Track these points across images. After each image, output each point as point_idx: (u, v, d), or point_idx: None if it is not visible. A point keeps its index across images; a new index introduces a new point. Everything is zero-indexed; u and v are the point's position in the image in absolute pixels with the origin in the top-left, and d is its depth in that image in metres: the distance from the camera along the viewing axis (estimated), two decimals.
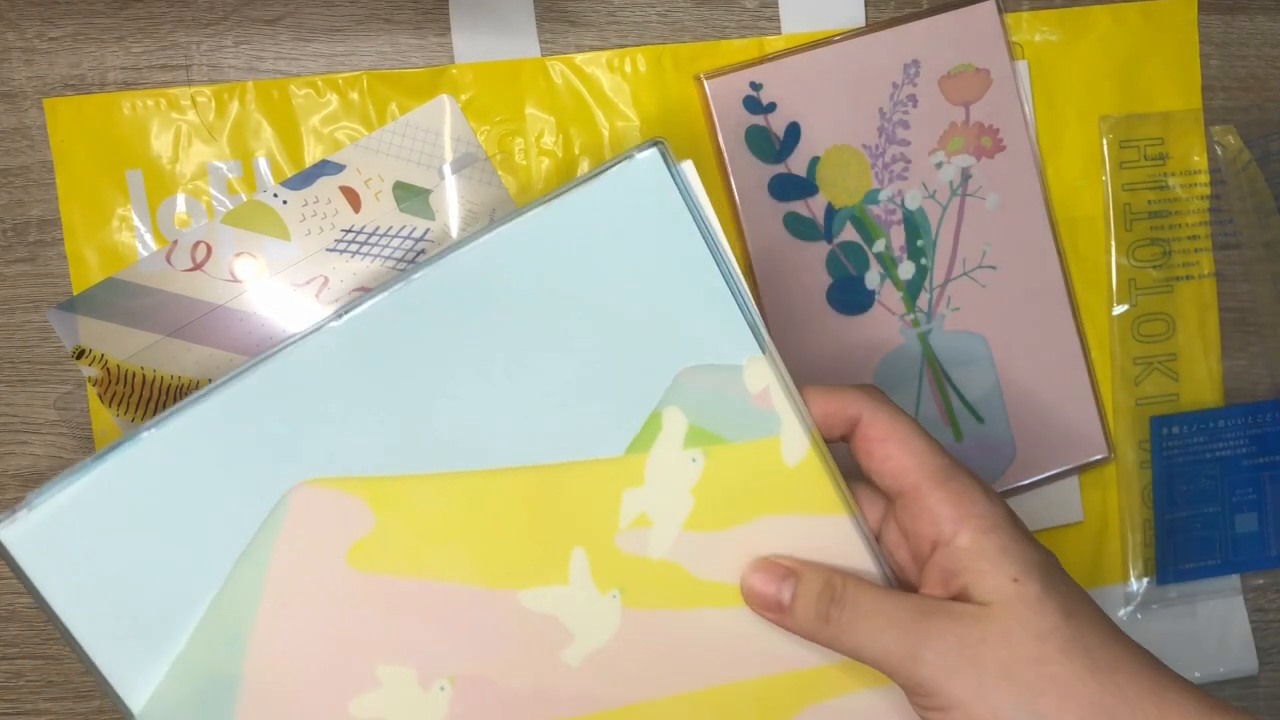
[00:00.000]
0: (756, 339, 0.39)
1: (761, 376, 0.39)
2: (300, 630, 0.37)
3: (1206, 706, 0.35)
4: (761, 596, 0.39)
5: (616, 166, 0.38)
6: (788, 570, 0.39)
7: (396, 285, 0.37)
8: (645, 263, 0.38)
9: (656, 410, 0.39)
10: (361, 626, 0.38)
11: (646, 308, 0.38)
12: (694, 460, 0.39)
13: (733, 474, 0.39)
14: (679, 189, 0.38)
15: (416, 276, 0.37)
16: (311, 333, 0.37)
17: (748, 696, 0.40)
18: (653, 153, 0.38)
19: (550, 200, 0.38)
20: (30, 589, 0.35)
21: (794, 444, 0.39)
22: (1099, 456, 0.57)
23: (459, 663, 0.39)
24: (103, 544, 0.35)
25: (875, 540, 0.41)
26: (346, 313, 0.37)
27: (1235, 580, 0.59)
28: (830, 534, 0.40)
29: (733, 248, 0.53)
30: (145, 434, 0.36)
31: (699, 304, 0.38)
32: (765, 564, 0.39)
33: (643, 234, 0.38)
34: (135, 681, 0.36)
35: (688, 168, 0.39)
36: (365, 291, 0.38)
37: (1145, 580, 0.58)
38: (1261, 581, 0.59)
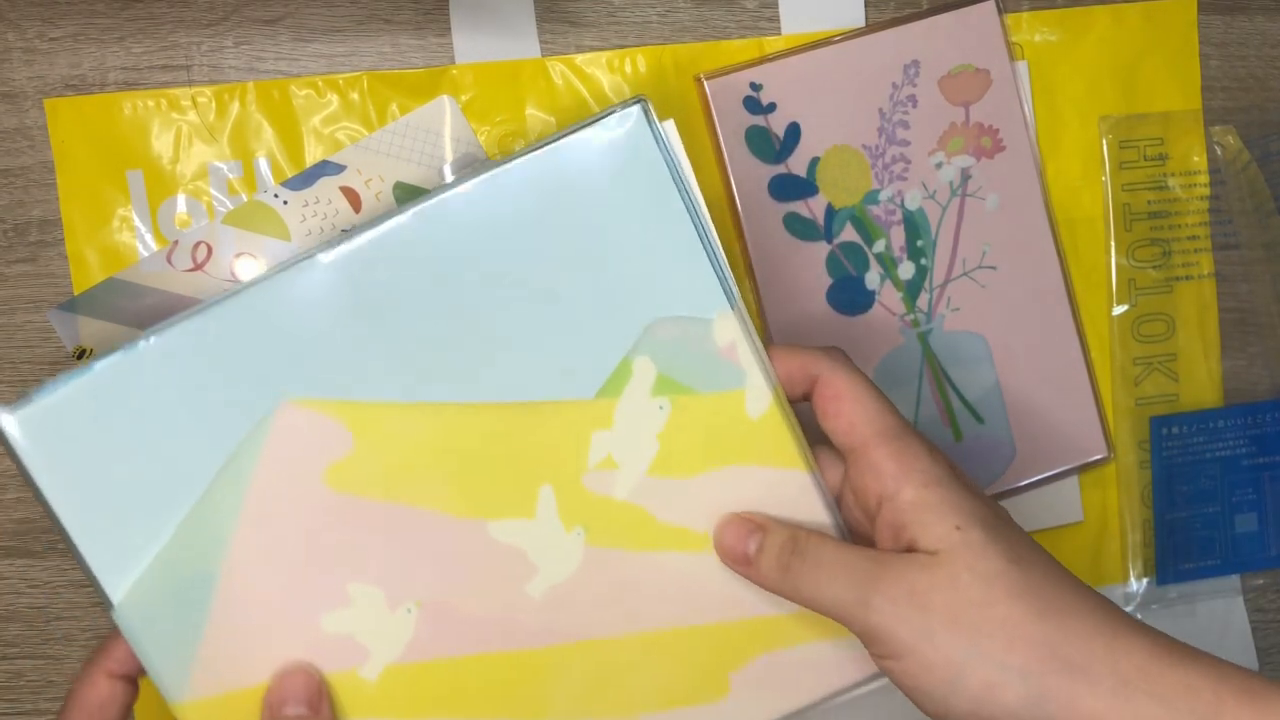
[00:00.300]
0: (726, 295, 0.40)
1: (729, 331, 0.40)
2: (277, 541, 0.39)
3: (1161, 647, 0.36)
4: (731, 550, 0.41)
5: (601, 120, 0.39)
6: (756, 525, 0.41)
7: (388, 222, 0.39)
8: (624, 215, 0.40)
9: (627, 358, 0.40)
10: (335, 544, 0.39)
11: (623, 259, 0.40)
12: (661, 408, 0.41)
13: (697, 423, 0.41)
14: (660, 146, 0.39)
15: (406, 216, 0.39)
16: (303, 261, 0.39)
17: (703, 641, 0.42)
18: (636, 109, 0.39)
19: (537, 149, 0.39)
20: (25, 476, 0.37)
21: (757, 398, 0.41)
22: (1099, 457, 0.57)
23: (426, 587, 0.40)
24: (96, 440, 0.37)
25: (832, 496, 0.42)
26: (337, 245, 0.39)
27: (1235, 580, 0.59)
28: (788, 487, 0.41)
29: (733, 248, 0.53)
30: (142, 342, 0.37)
31: (673, 258, 0.40)
32: (736, 519, 0.41)
33: (623, 187, 0.39)
34: (117, 573, 0.37)
35: (669, 127, 0.40)
36: (361, 226, 0.40)
37: (1145, 580, 0.58)
38: (1261, 582, 0.59)
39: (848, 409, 0.40)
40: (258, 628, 0.39)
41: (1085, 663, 0.35)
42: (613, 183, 0.39)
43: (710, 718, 0.42)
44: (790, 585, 0.39)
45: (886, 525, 0.39)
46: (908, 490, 0.38)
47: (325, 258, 0.39)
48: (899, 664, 0.37)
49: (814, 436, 0.42)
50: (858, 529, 0.43)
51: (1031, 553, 0.37)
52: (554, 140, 0.39)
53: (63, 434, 0.37)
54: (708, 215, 0.40)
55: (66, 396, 0.37)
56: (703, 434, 0.41)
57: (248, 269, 0.50)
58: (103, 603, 0.38)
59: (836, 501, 0.42)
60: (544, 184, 0.39)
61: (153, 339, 0.37)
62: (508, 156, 0.40)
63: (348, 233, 0.39)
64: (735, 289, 0.40)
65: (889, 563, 0.38)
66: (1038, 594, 0.36)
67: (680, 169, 0.40)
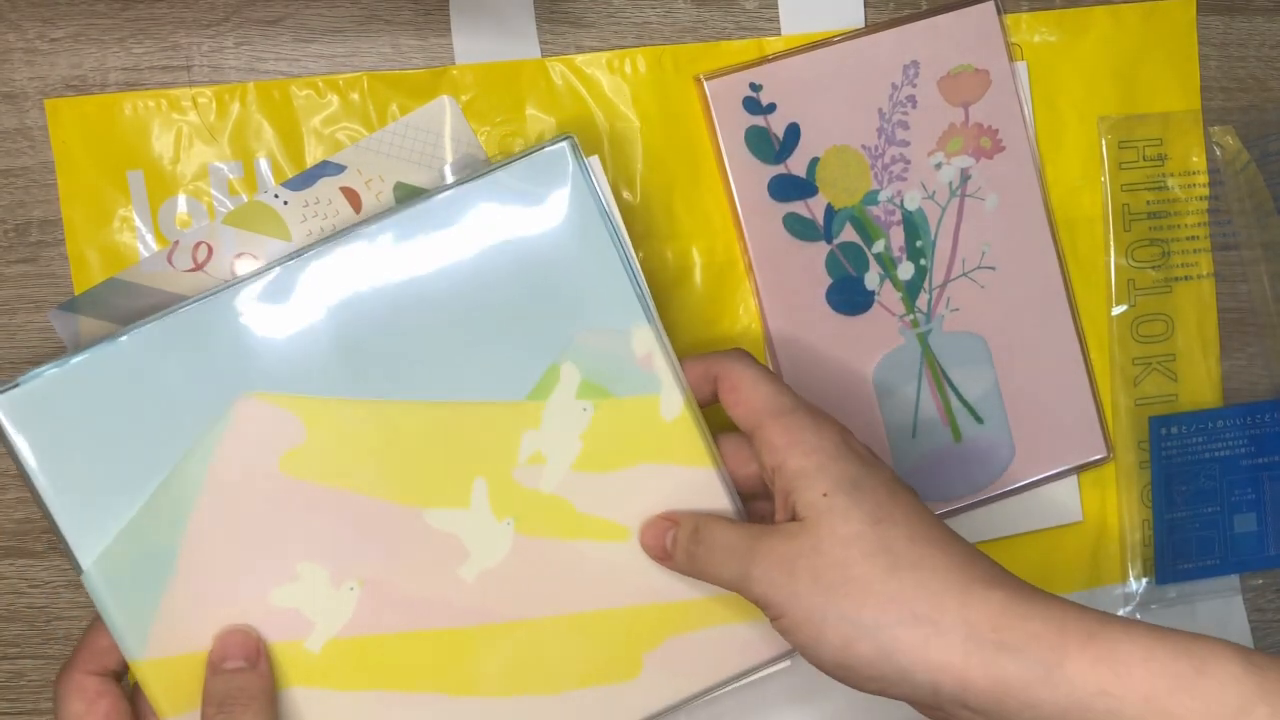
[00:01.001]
0: (644, 310, 0.45)
1: (646, 342, 0.45)
2: (233, 520, 0.43)
3: (1016, 599, 0.38)
4: (653, 547, 0.45)
5: (534, 154, 0.44)
6: (671, 521, 0.45)
7: (344, 240, 0.44)
8: (554, 239, 0.44)
9: (555, 364, 0.45)
10: (286, 525, 0.43)
11: (553, 276, 0.45)
12: (585, 410, 0.45)
13: (617, 424, 0.45)
14: (586, 179, 0.45)
15: (362, 233, 0.44)
16: (266, 272, 0.43)
17: (618, 623, 0.46)
18: (564, 145, 0.44)
19: (479, 176, 0.44)
20: (10, 451, 0.41)
21: (671, 402, 0.46)
22: (1098, 456, 0.57)
23: (367, 567, 0.44)
24: (74, 423, 0.41)
25: (736, 491, 0.46)
26: (297, 257, 0.43)
27: (1234, 580, 0.59)
28: (697, 482, 0.46)
29: (733, 248, 0.54)
30: (121, 338, 0.42)
31: (598, 277, 0.45)
32: (656, 519, 0.45)
33: (555, 214, 0.44)
34: (87, 541, 0.41)
35: (594, 162, 0.45)
36: (319, 241, 0.44)
37: (1144, 580, 0.58)
38: (1260, 581, 0.59)
39: (745, 396, 0.44)
40: (212, 597, 0.43)
41: (935, 616, 0.37)
42: (547, 210, 0.44)
43: (625, 695, 0.46)
44: (697, 570, 0.43)
45: (780, 494, 0.42)
46: (791, 461, 0.42)
47: (284, 270, 0.43)
48: (779, 624, 0.40)
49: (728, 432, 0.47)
50: (770, 511, 0.45)
51: (895, 514, 0.40)
52: (493, 170, 0.44)
53: (44, 416, 0.41)
54: (629, 240, 0.45)
55: (48, 383, 0.41)
56: (622, 434, 0.45)
57: (248, 269, 0.50)
58: (73, 568, 0.42)
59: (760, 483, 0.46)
60: (482, 208, 0.44)
61: (128, 335, 0.42)
62: (451, 183, 0.45)
63: (307, 248, 0.44)
64: (652, 305, 0.45)
65: (764, 536, 0.41)
66: (892, 553, 0.39)
67: (605, 200, 0.45)
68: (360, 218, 0.46)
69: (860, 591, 0.38)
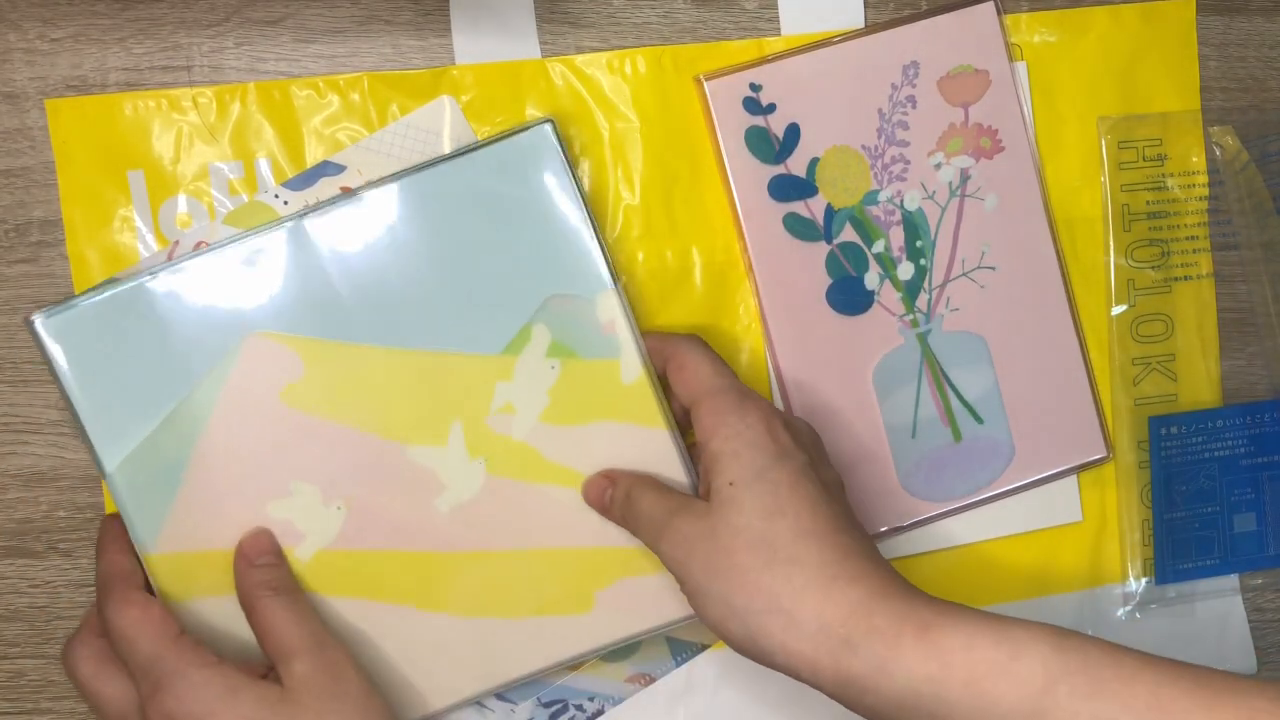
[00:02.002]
0: (609, 280, 0.50)
1: (609, 310, 0.50)
2: (238, 440, 0.48)
3: (872, 594, 0.42)
4: (594, 501, 0.50)
5: (519, 134, 0.49)
6: (610, 480, 0.49)
7: (344, 202, 0.49)
8: (532, 210, 0.49)
9: (528, 324, 0.50)
10: (283, 448, 0.48)
11: (530, 244, 0.49)
12: (553, 368, 0.50)
13: (581, 383, 0.50)
14: (563, 158, 0.49)
15: (362, 197, 0.49)
16: (275, 227, 0.48)
17: (574, 561, 0.51)
18: (546, 128, 0.49)
19: (467, 151, 0.49)
20: (50, 366, 0.47)
21: (630, 366, 0.50)
22: (1098, 456, 0.57)
23: (353, 490, 0.49)
24: (106, 346, 0.47)
25: (687, 451, 0.50)
26: (303, 217, 0.48)
27: (1234, 580, 0.59)
28: (652, 442, 0.50)
29: (733, 248, 0.54)
30: (148, 279, 0.47)
31: (568, 247, 0.49)
32: (597, 476, 0.50)
33: (535, 189, 0.49)
34: (111, 449, 0.47)
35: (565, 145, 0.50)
36: (324, 202, 0.49)
37: (1144, 580, 0.58)
38: (1260, 581, 0.59)
39: (688, 376, 0.48)
40: (216, 504, 0.48)
41: (794, 609, 0.42)
42: (526, 185, 0.49)
43: (576, 627, 0.51)
44: (629, 529, 0.48)
45: (703, 470, 0.47)
46: (713, 442, 0.46)
47: (292, 227, 0.48)
48: (682, 590, 0.45)
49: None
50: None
51: (791, 507, 0.44)
52: (480, 146, 0.49)
53: (80, 338, 0.47)
54: (594, 216, 0.50)
55: (84, 311, 0.47)
56: (585, 392, 0.50)
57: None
58: (98, 471, 0.47)
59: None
60: (471, 180, 0.49)
61: (155, 277, 0.47)
62: (443, 156, 0.50)
63: (311, 207, 0.49)
64: (615, 276, 0.50)
65: (680, 511, 0.46)
66: (772, 547, 0.43)
67: (579, 179, 0.50)
68: (360, 184, 0.50)
69: (739, 578, 0.43)
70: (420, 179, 0.49)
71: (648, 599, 0.51)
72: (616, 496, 0.49)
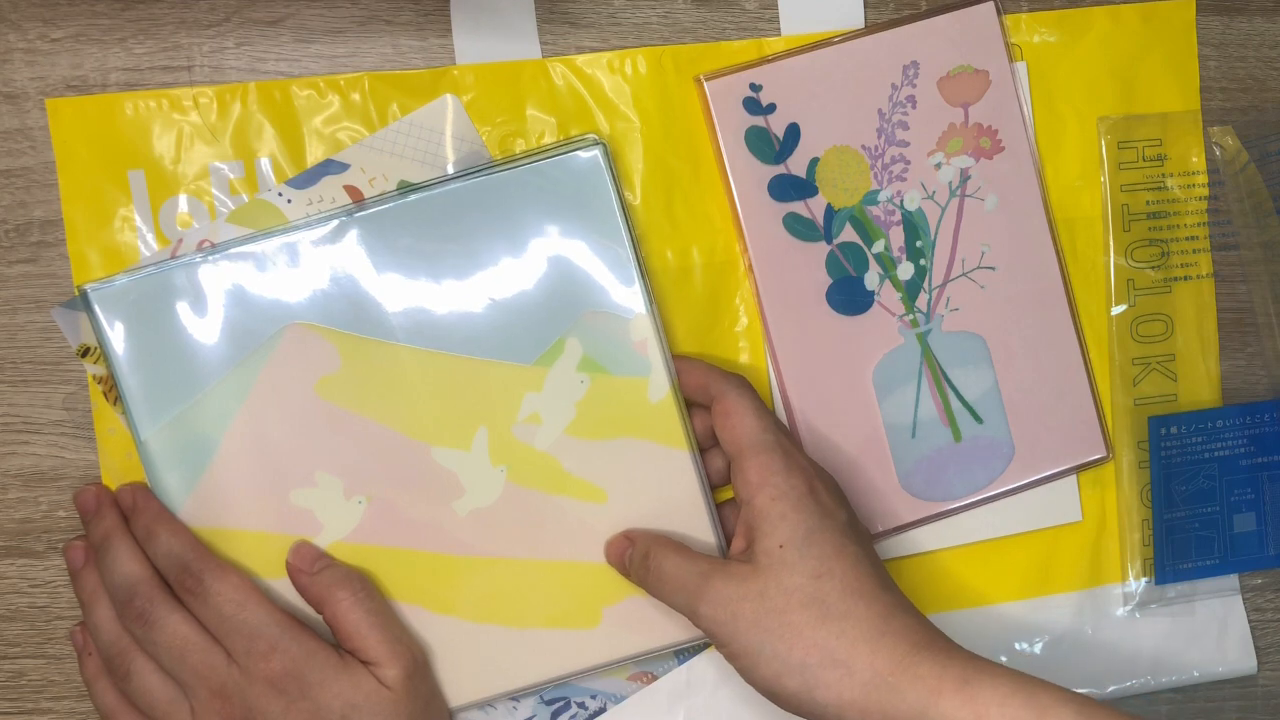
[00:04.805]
0: (645, 301, 0.51)
1: (643, 330, 0.51)
2: (269, 425, 0.49)
3: (916, 646, 0.44)
4: (614, 561, 0.51)
5: (571, 153, 0.50)
6: (628, 542, 0.50)
7: (393, 201, 0.50)
8: (577, 227, 0.50)
9: (561, 338, 0.51)
10: (312, 438, 0.49)
11: (571, 260, 0.50)
12: (582, 382, 0.51)
13: (609, 399, 0.51)
14: (611, 181, 0.50)
15: (407, 200, 0.50)
16: (324, 222, 0.49)
17: (585, 575, 0.51)
18: (598, 150, 0.50)
19: (518, 164, 0.50)
20: (98, 335, 0.48)
21: (658, 387, 0.51)
22: (1097, 456, 0.57)
23: (376, 486, 0.50)
24: (152, 322, 0.48)
25: (706, 474, 0.52)
26: (352, 215, 0.49)
27: (1234, 580, 0.59)
28: (672, 462, 0.51)
29: (733, 248, 0.54)
30: (200, 262, 0.48)
31: (608, 265, 0.50)
32: (615, 538, 0.51)
33: (582, 209, 0.50)
34: (148, 417, 0.48)
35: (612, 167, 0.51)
36: (362, 201, 0.51)
37: (1144, 580, 0.58)
38: (1260, 581, 0.59)
39: (734, 423, 0.49)
40: (241, 486, 0.49)
41: (850, 660, 0.44)
42: (574, 204, 0.50)
43: (583, 641, 0.52)
44: (651, 590, 0.49)
45: (743, 524, 0.48)
46: (759, 500, 0.47)
47: (340, 223, 0.49)
48: (722, 651, 0.47)
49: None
50: (734, 516, 0.51)
51: (837, 570, 0.46)
52: (534, 161, 0.50)
53: (128, 310, 0.48)
54: (635, 237, 0.51)
55: (135, 285, 0.48)
56: (612, 408, 0.51)
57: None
58: (134, 439, 0.49)
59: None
60: (520, 193, 0.50)
61: (206, 262, 0.48)
62: (493, 164, 0.51)
63: (358, 205, 0.50)
64: (652, 298, 0.51)
65: (714, 574, 0.47)
66: (824, 604, 0.45)
67: (624, 201, 0.51)
68: (410, 187, 0.51)
69: (793, 635, 0.45)
70: (471, 187, 0.50)
71: (654, 618, 0.51)
72: (634, 557, 0.50)
